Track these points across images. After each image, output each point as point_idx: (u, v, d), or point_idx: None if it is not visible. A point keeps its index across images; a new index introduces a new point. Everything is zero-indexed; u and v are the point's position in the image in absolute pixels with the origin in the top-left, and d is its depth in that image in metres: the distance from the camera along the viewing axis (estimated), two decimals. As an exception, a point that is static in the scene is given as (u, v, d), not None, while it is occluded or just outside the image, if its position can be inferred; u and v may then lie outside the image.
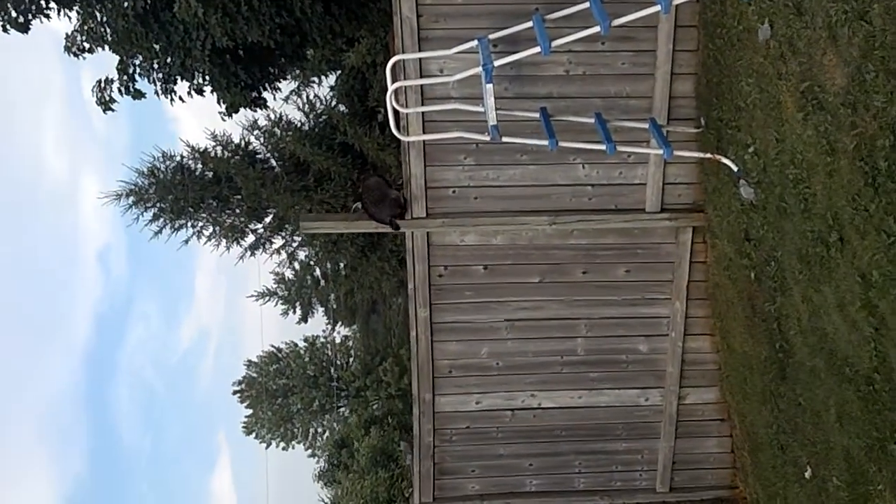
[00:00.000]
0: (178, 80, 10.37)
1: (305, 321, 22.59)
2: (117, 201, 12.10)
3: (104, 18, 9.77)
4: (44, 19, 10.02)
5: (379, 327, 26.30)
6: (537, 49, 5.57)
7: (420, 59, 6.47)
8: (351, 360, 30.89)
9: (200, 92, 10.53)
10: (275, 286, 22.85)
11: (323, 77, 14.04)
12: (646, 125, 6.40)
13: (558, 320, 7.35)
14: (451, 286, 7.27)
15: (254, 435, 33.11)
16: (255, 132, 12.27)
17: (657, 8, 5.48)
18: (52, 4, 9.95)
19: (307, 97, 13.04)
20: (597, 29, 5.48)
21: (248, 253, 13.46)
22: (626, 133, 6.53)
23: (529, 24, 5.95)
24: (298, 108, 12.88)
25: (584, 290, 7.26)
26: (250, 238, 13.20)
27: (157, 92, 10.43)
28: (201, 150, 12.23)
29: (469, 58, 6.39)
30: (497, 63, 5.67)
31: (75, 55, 10.16)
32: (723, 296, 6.82)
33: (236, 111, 11.17)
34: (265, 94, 11.34)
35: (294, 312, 22.18)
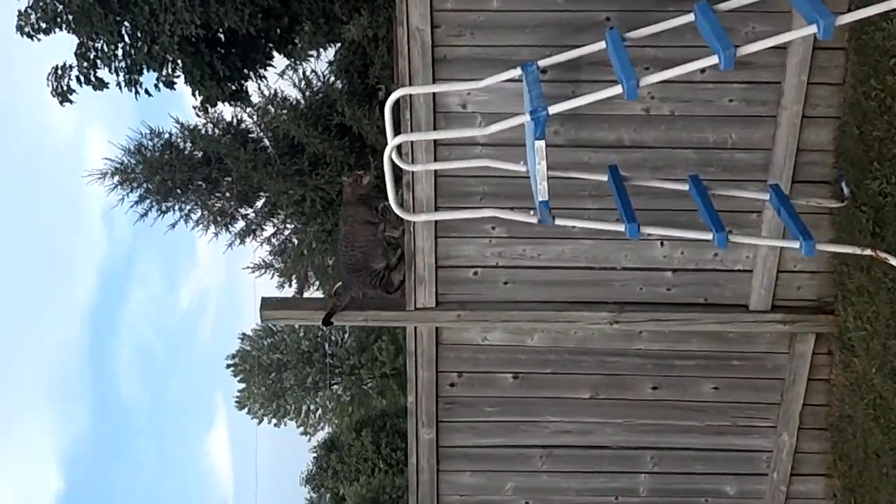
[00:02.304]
0: (145, 70, 8.46)
1: (301, 295, 22.00)
2: (102, 180, 10.99)
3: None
4: None
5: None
6: (617, 90, 3.48)
7: (435, 92, 4.38)
8: (346, 336, 29.58)
9: (171, 85, 8.64)
10: (270, 258, 21.80)
11: (321, 50, 12.42)
12: (764, 196, 4.30)
13: (614, 449, 5.29)
14: (468, 399, 5.23)
15: (246, 410, 32.14)
16: (248, 109, 10.98)
17: (810, 30, 3.41)
18: None
19: (303, 73, 11.60)
20: (713, 60, 3.40)
21: (238, 240, 12.31)
22: (724, 200, 4.43)
23: (600, 45, 3.87)
24: (294, 85, 11.49)
25: (652, 412, 5.18)
26: (240, 224, 12.03)
27: (118, 83, 8.47)
28: (191, 127, 11.07)
29: (507, 88, 4.32)
30: (554, 110, 3.57)
31: (29, 36, 8.17)
32: (858, 437, 4.74)
33: (213, 105, 9.72)
34: (249, 82, 9.64)
35: (290, 286, 21.44)
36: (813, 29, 3.39)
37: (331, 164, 10.63)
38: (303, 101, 11.48)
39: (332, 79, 12.01)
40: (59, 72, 8.31)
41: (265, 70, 9.46)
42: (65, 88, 8.28)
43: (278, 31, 8.29)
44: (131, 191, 11.16)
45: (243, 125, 11.25)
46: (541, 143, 3.64)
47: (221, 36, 8.34)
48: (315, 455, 23.56)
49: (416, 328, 5.04)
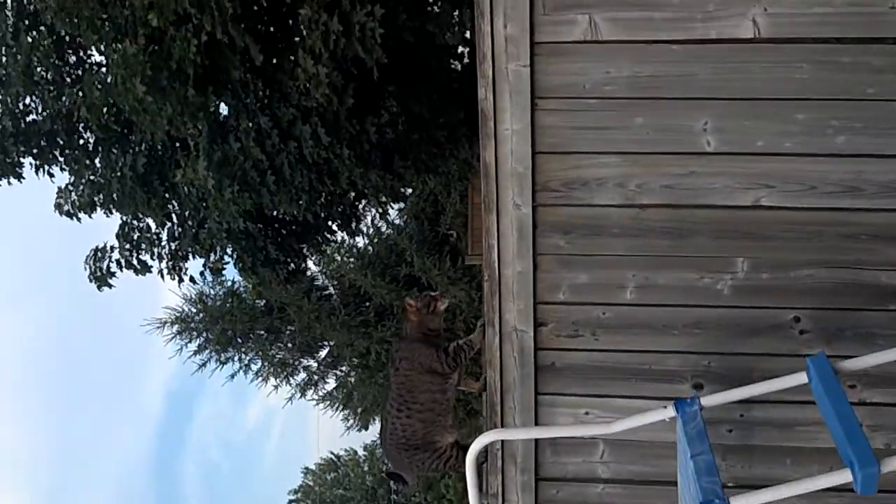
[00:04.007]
0: (190, 257, 7.49)
1: (366, 429, 21.42)
2: (161, 329, 10.75)
3: (99, 177, 6.98)
4: (13, 180, 7.14)
5: (441, 440, 24.61)
6: (844, 477, 2.08)
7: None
8: (412, 472, 28.59)
9: (219, 272, 7.63)
10: (335, 392, 21.28)
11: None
12: None
13: None
14: None
15: (310, 548, 31.10)
16: (314, 257, 10.62)
17: None
18: (29, 159, 7.04)
19: (371, 220, 11.47)
20: None
21: (299, 394, 12.23)
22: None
23: (799, 378, 2.48)
24: (361, 234, 11.25)
25: None
26: (301, 375, 11.98)
27: (160, 271, 7.44)
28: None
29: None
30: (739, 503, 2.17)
31: (69, 215, 7.24)
32: None
33: (266, 288, 9.05)
34: (308, 258, 8.79)
35: (355, 420, 20.81)
36: None
37: (397, 316, 10.09)
38: (371, 249, 11.29)
39: (402, 225, 11.75)
40: (99, 254, 7.37)
41: (326, 246, 8.41)
42: (104, 272, 7.31)
43: (341, 210, 7.19)
44: (191, 340, 10.91)
45: (308, 273, 10.69)
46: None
47: (274, 215, 7.29)
48: None
49: None
